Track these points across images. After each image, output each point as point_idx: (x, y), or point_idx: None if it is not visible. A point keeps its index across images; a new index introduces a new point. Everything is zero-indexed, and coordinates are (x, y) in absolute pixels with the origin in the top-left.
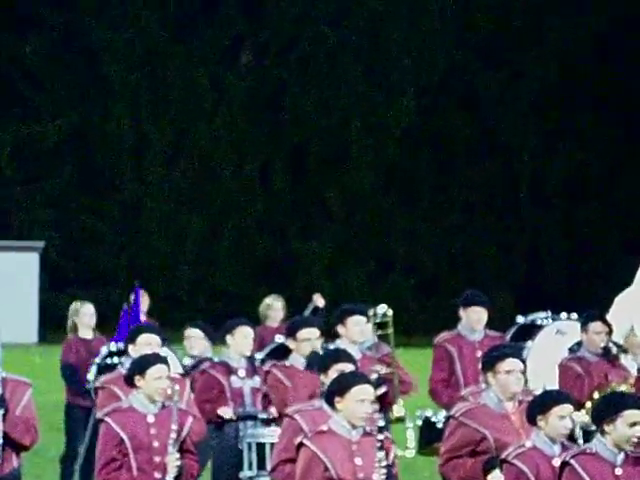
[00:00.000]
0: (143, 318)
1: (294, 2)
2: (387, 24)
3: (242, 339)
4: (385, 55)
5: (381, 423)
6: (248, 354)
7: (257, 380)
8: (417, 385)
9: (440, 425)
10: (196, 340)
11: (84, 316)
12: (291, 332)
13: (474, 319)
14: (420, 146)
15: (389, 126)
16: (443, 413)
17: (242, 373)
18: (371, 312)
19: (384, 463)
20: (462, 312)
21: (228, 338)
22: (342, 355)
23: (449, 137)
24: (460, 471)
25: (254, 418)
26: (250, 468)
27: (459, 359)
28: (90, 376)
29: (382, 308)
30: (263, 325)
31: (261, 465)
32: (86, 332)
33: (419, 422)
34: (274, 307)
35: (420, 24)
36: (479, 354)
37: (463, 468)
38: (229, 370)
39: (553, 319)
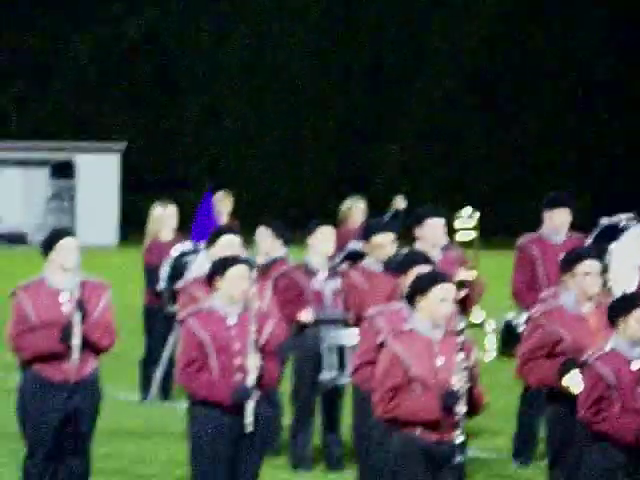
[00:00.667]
0: (224, 219)
1: None
2: None
3: (323, 240)
4: None
5: (461, 325)
6: (330, 254)
7: (338, 282)
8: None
9: (521, 329)
10: (265, 239)
11: (167, 218)
12: (366, 236)
13: (558, 221)
14: (499, 51)
15: (468, 30)
16: (524, 316)
17: (323, 275)
18: (457, 215)
19: (464, 365)
20: (546, 214)
21: (309, 239)
22: (421, 257)
23: (526, 45)
24: (537, 373)
25: (334, 321)
26: (330, 370)
27: (542, 261)
28: (162, 276)
29: (468, 211)
30: (344, 226)
31: (341, 367)
32: (168, 234)
33: (500, 325)
34: (355, 208)
35: None
36: (562, 256)
37: (540, 370)
38: (310, 272)
39: (638, 220)
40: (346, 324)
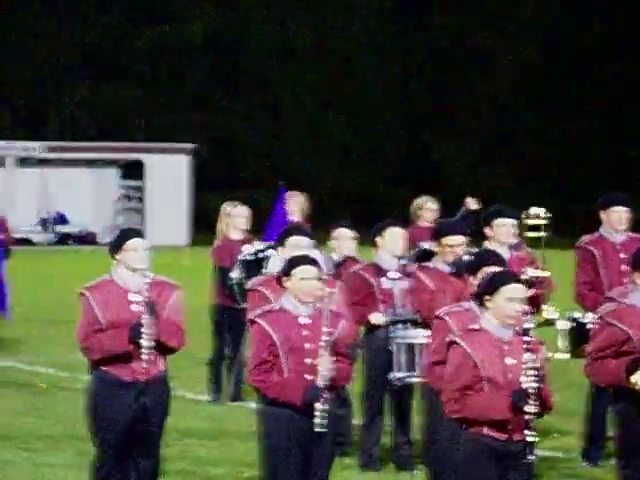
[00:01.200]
0: (295, 218)
1: None
2: None
3: (392, 240)
4: None
5: (529, 325)
6: (399, 254)
7: (407, 282)
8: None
9: (590, 326)
10: (346, 240)
11: (237, 218)
12: (436, 236)
13: (615, 219)
14: (560, 49)
15: (530, 28)
16: (589, 316)
17: (392, 274)
18: (524, 214)
19: (531, 365)
20: (602, 214)
21: (378, 239)
22: (492, 257)
23: (588, 41)
24: (605, 372)
25: (404, 320)
26: (400, 369)
27: (602, 261)
28: (233, 274)
29: (536, 210)
30: (414, 225)
31: (411, 366)
32: (237, 234)
33: (569, 324)
34: (426, 207)
35: None
36: (622, 255)
37: (607, 369)
38: (379, 271)
39: None
40: (416, 323)
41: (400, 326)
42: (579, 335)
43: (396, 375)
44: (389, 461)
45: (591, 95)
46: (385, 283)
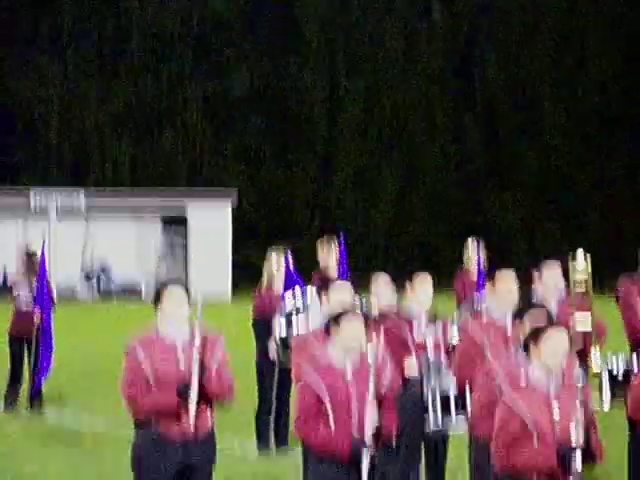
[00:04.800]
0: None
1: None
2: None
3: (421, 292)
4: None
5: (579, 377)
6: (427, 308)
7: (439, 328)
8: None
9: (620, 378)
10: (384, 290)
11: (281, 265)
12: (489, 278)
13: None
14: (617, 97)
15: (581, 82)
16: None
17: (423, 323)
18: (570, 257)
19: (581, 418)
20: None
21: (408, 289)
22: (535, 304)
23: None
24: None
25: (437, 368)
26: (435, 419)
27: None
28: (277, 330)
29: (580, 253)
30: (464, 270)
31: (446, 414)
32: (280, 281)
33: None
34: (471, 248)
35: None
36: None
37: None
38: (410, 321)
39: None
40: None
41: (433, 375)
42: (611, 386)
43: (432, 427)
44: None
45: None
46: (417, 332)
